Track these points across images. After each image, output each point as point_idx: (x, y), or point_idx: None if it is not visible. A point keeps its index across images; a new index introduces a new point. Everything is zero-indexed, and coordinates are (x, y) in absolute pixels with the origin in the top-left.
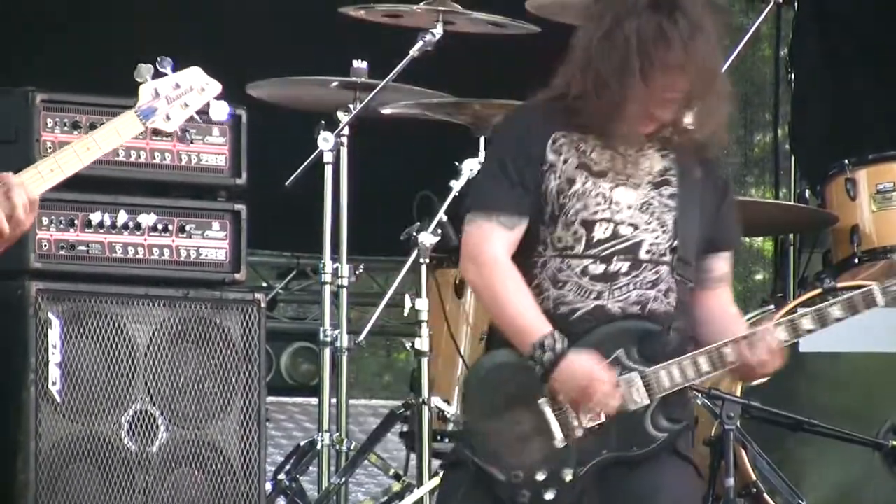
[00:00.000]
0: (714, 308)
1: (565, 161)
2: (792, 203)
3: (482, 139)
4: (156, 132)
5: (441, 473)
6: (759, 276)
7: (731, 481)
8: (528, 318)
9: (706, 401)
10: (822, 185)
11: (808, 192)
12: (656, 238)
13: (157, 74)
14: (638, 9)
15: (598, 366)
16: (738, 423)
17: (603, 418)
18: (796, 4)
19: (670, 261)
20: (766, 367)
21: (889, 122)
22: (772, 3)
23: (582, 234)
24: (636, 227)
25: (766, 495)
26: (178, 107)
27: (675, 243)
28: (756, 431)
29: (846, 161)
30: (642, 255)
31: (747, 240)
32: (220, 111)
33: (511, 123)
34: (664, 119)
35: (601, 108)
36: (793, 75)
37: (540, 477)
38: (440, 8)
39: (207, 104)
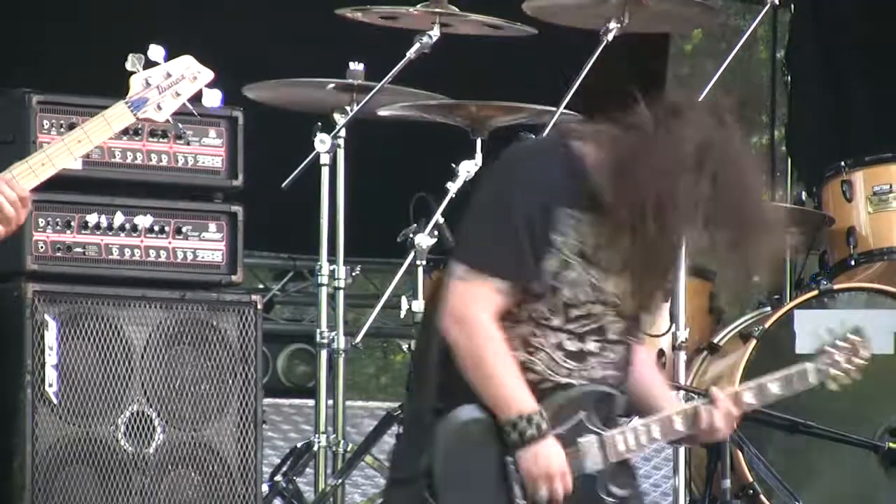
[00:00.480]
0: (639, 365)
1: (564, 242)
2: (788, 205)
3: (479, 141)
4: (152, 133)
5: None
6: (755, 278)
7: (727, 483)
8: (515, 387)
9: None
10: (818, 186)
11: (804, 194)
12: (620, 322)
13: (149, 64)
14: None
15: (561, 469)
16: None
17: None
18: (793, 7)
19: (624, 339)
20: (717, 435)
21: (885, 123)
22: (768, 5)
23: (561, 310)
24: (608, 315)
25: (762, 497)
26: (169, 96)
27: (632, 323)
28: (753, 433)
29: (843, 163)
30: (610, 335)
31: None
32: (213, 98)
33: (534, 176)
34: None
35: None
36: (789, 77)
37: None
38: (437, 10)
39: (200, 92)
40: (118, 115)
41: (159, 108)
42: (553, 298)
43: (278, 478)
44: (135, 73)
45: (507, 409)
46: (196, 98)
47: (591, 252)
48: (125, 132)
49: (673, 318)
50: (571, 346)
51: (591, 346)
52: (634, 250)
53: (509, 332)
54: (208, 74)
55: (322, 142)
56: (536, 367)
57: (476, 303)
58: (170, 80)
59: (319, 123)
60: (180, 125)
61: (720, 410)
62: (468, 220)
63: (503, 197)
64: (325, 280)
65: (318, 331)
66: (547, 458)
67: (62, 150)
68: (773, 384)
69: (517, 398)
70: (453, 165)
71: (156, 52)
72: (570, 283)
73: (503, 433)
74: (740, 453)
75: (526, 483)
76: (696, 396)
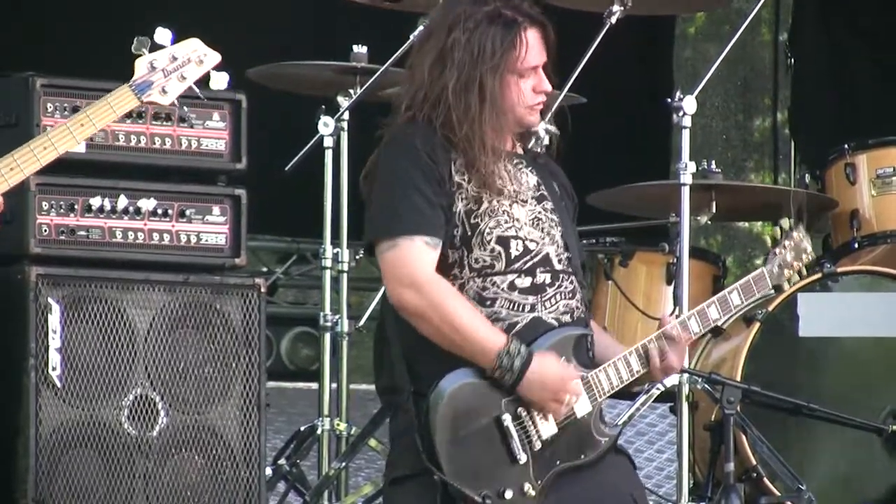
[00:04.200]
0: None
1: (468, 181)
2: (792, 188)
3: None
4: (156, 116)
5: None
6: (758, 261)
7: (730, 466)
8: (484, 330)
9: (706, 385)
10: (821, 169)
11: (807, 177)
12: (556, 251)
13: (155, 47)
14: (469, 24)
15: (564, 364)
16: (739, 408)
17: (568, 417)
18: None
19: (572, 271)
20: (681, 362)
21: (889, 106)
22: None
23: (500, 252)
24: (537, 242)
25: (766, 480)
26: (174, 79)
27: (568, 254)
28: (756, 416)
29: (846, 145)
30: (557, 266)
31: (746, 224)
32: (220, 81)
33: (412, 142)
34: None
35: (469, 134)
36: (792, 60)
37: (508, 495)
38: None
39: (207, 75)
40: (122, 99)
41: (164, 91)
42: (482, 240)
43: (282, 461)
44: (140, 55)
45: (487, 353)
46: (203, 81)
47: (495, 185)
48: (129, 115)
49: (676, 300)
50: (523, 282)
51: (543, 277)
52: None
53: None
54: (215, 57)
55: (325, 125)
56: (500, 315)
57: (417, 262)
58: (175, 64)
59: (323, 106)
60: (185, 108)
61: (675, 345)
62: (372, 203)
63: (391, 167)
64: (328, 263)
65: (321, 314)
66: (547, 372)
67: (65, 133)
68: (734, 294)
69: (491, 339)
70: None
71: (162, 35)
72: (487, 214)
73: (496, 379)
74: (744, 436)
75: (545, 409)
76: (698, 380)
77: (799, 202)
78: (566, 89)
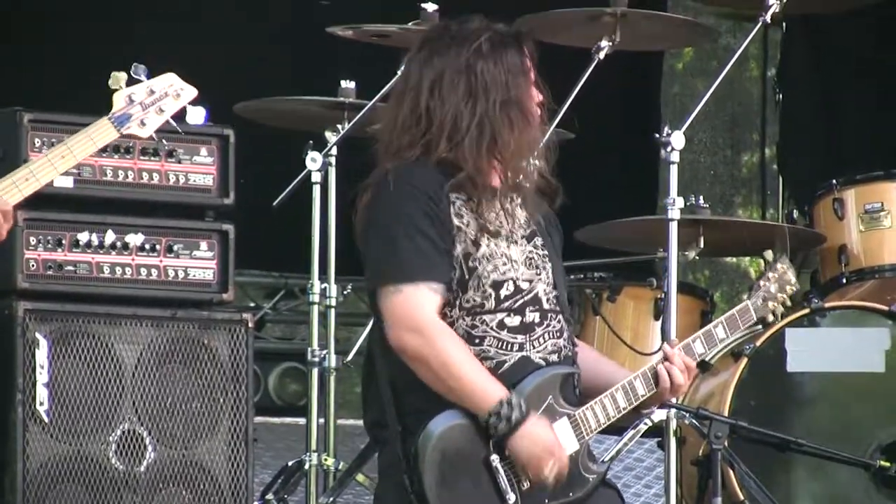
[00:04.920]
0: (579, 346)
1: (467, 224)
2: (780, 223)
3: None
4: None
5: None
6: (745, 296)
7: (718, 501)
8: (485, 379)
9: (694, 421)
10: (809, 204)
11: (795, 213)
12: (545, 289)
13: (132, 81)
14: (482, 49)
15: (557, 440)
16: (726, 443)
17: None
18: (784, 25)
19: (560, 309)
20: (678, 390)
21: (877, 141)
22: (760, 23)
23: (491, 294)
24: (530, 281)
25: None
26: (153, 112)
27: (556, 292)
28: (744, 451)
29: (834, 181)
30: (545, 305)
31: (734, 260)
32: (197, 116)
33: (412, 184)
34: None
35: (481, 167)
36: (781, 96)
37: None
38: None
39: (184, 109)
40: (101, 131)
41: (143, 123)
42: (478, 283)
43: (269, 496)
44: (117, 90)
45: (485, 402)
46: (180, 115)
47: (491, 225)
48: (116, 150)
49: (664, 335)
50: (512, 321)
51: (532, 316)
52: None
53: None
54: (192, 92)
55: (313, 160)
56: (489, 354)
57: (422, 308)
58: (153, 97)
59: (311, 142)
60: (165, 142)
61: (677, 365)
62: (373, 246)
63: (394, 209)
64: (316, 298)
65: (308, 349)
66: (540, 434)
67: (46, 165)
68: (719, 328)
69: (491, 389)
70: None
71: (138, 70)
72: (484, 258)
73: (489, 428)
74: (731, 471)
75: (527, 466)
76: (686, 415)
77: (783, 236)
78: (554, 125)
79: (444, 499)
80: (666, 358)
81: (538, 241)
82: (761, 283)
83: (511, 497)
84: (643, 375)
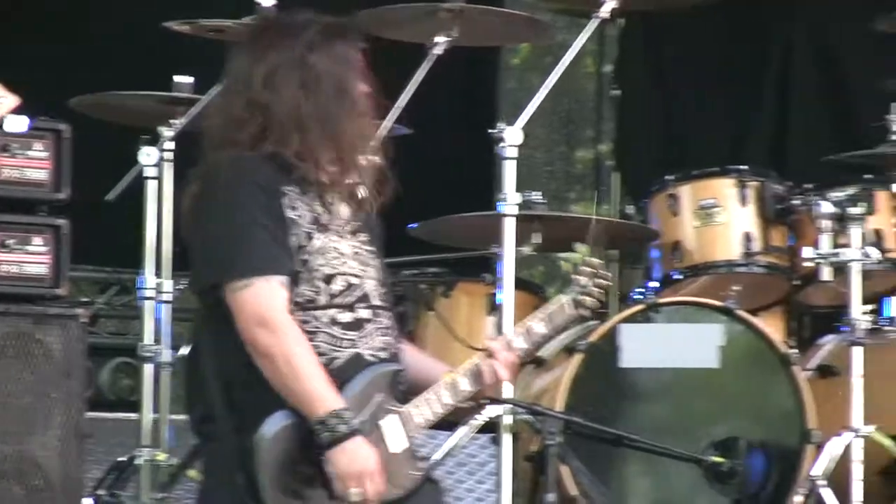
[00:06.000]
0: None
1: (300, 216)
2: (614, 219)
3: None
4: None
5: None
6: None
7: (552, 497)
8: (323, 386)
9: (528, 416)
10: (645, 200)
11: (631, 209)
12: (374, 286)
13: None
14: (314, 41)
15: (376, 464)
16: (561, 439)
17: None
18: (623, 21)
19: (387, 306)
20: (502, 385)
21: (713, 138)
22: (595, 19)
23: (321, 288)
24: (360, 277)
25: None
26: None
27: (384, 289)
28: (578, 447)
29: (669, 177)
30: (375, 301)
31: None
32: (18, 124)
33: (246, 176)
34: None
35: (314, 159)
36: (618, 91)
37: None
38: None
39: (2, 118)
40: None
41: None
42: (310, 276)
43: (101, 492)
44: None
45: (316, 407)
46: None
47: (323, 218)
48: None
49: (498, 331)
50: (344, 317)
51: (363, 313)
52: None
53: None
54: (13, 100)
55: (147, 155)
56: (321, 349)
57: (273, 303)
58: None
59: (146, 136)
60: None
61: (500, 361)
62: (211, 239)
63: (230, 201)
64: (149, 293)
65: (140, 344)
66: (359, 456)
67: None
68: (538, 324)
69: (326, 396)
70: None
71: None
72: (317, 252)
73: (314, 432)
74: (565, 467)
75: (339, 481)
76: (520, 410)
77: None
78: (391, 120)
79: (278, 496)
80: (489, 354)
81: (364, 236)
82: (575, 277)
83: (342, 496)
84: (467, 371)
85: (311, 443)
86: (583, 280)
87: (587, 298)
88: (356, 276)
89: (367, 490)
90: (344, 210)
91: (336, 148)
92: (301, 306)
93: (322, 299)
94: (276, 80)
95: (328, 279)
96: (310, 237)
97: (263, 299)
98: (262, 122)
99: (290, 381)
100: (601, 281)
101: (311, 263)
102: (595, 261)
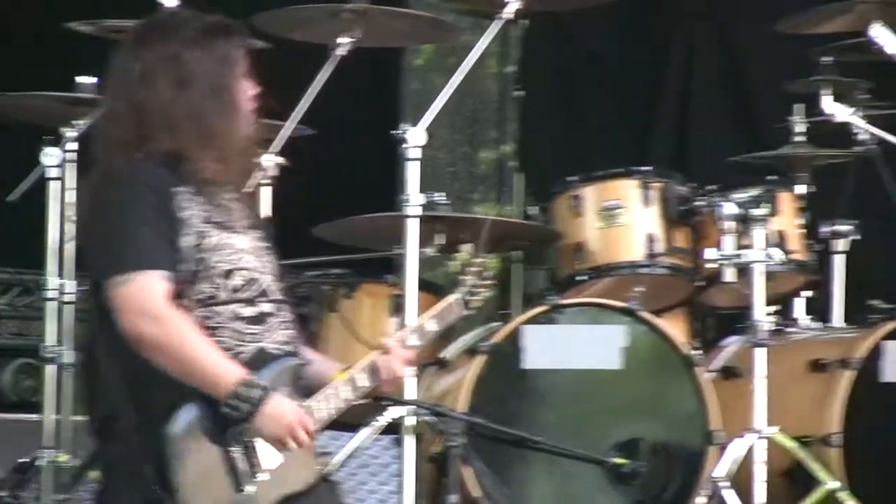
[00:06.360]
0: None
1: (193, 215)
2: (518, 220)
3: None
4: None
5: None
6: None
7: (454, 498)
8: (222, 363)
9: (430, 417)
10: (548, 201)
11: (534, 209)
12: (272, 281)
13: None
14: (191, 39)
15: (301, 410)
16: (463, 440)
17: (291, 452)
18: (527, 22)
19: (286, 301)
20: (399, 380)
21: (616, 139)
22: (501, 20)
23: (221, 284)
24: (259, 272)
25: None
26: None
27: (281, 284)
28: (482, 448)
29: (573, 178)
30: (274, 296)
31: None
32: None
33: (136, 178)
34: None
35: (198, 157)
36: (522, 92)
37: None
38: None
39: None
40: None
41: None
42: (208, 273)
43: (3, 493)
44: None
45: (224, 384)
46: None
47: (216, 216)
48: None
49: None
50: (247, 312)
51: (265, 307)
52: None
53: None
54: None
55: (50, 155)
56: (225, 344)
57: (154, 294)
58: None
59: (48, 137)
60: None
61: (396, 357)
62: (100, 240)
63: (120, 204)
64: (51, 294)
65: (42, 345)
66: (283, 411)
67: None
68: (429, 322)
69: (229, 370)
70: None
71: None
72: (213, 249)
73: (230, 408)
74: (468, 468)
75: (277, 439)
76: (422, 411)
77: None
78: (295, 120)
79: (190, 489)
80: (385, 350)
81: (258, 233)
82: (463, 277)
83: (250, 488)
84: (364, 367)
85: (223, 430)
86: (469, 280)
87: (474, 298)
88: (255, 270)
89: (301, 439)
90: (237, 207)
91: (214, 147)
92: (202, 303)
93: (222, 295)
94: (152, 78)
95: (227, 275)
96: (205, 235)
97: (143, 292)
98: (143, 121)
99: (188, 367)
100: (487, 281)
101: (209, 261)
102: (481, 261)
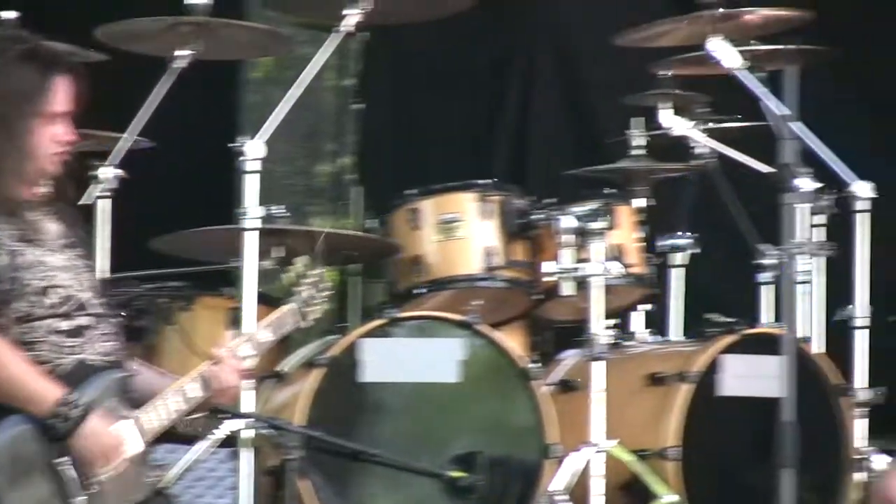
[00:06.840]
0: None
1: (3, 235)
2: (355, 232)
3: None
4: None
5: None
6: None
7: None
8: (38, 381)
9: (268, 431)
10: (387, 214)
11: (373, 222)
12: (91, 296)
13: None
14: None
15: (119, 435)
16: (301, 453)
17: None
18: (367, 34)
19: (108, 315)
20: (231, 390)
21: (455, 152)
22: (340, 33)
23: (36, 301)
24: (74, 288)
25: None
26: None
27: (102, 299)
28: (322, 462)
29: (411, 191)
30: (93, 310)
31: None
32: None
33: None
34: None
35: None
36: (361, 105)
37: None
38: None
39: None
40: None
41: None
42: (22, 291)
43: None
44: None
45: (42, 402)
46: None
47: (30, 235)
48: None
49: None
50: (65, 325)
51: (83, 321)
52: None
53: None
54: None
55: None
56: (44, 358)
57: None
58: None
59: None
60: None
61: (227, 367)
62: None
63: None
64: None
65: None
66: (100, 433)
67: None
68: (263, 332)
69: (47, 389)
70: None
71: None
72: (26, 268)
73: (49, 428)
74: (305, 482)
75: (86, 464)
76: (262, 423)
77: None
78: (134, 133)
79: (16, 501)
80: (216, 361)
81: (77, 251)
82: (298, 288)
83: (79, 500)
84: (195, 378)
85: (48, 444)
86: (305, 291)
87: (310, 309)
88: (71, 287)
89: (117, 461)
90: (52, 226)
91: (16, 166)
92: (20, 320)
93: (39, 311)
94: None
95: (43, 292)
96: (17, 254)
97: None
98: None
99: (5, 387)
100: (324, 291)
101: (22, 279)
102: (316, 272)
